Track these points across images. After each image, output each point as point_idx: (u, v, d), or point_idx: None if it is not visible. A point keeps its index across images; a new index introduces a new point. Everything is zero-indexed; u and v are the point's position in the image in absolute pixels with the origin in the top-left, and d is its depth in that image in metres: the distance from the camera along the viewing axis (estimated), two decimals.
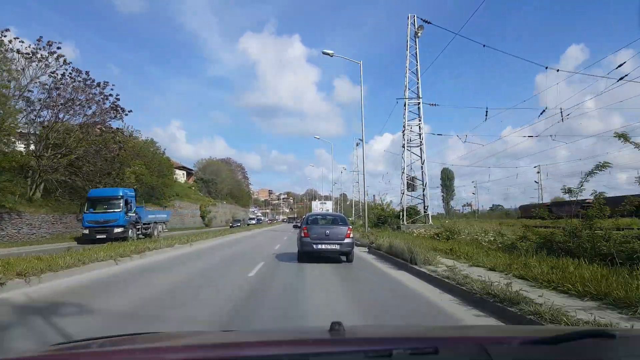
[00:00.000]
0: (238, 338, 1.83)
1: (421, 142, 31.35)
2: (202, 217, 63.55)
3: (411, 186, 31.81)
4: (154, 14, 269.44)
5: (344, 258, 12.87)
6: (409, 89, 31.44)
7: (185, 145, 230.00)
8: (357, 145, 71.00)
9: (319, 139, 53.77)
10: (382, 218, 35.60)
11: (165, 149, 53.71)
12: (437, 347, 1.04)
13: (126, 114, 33.48)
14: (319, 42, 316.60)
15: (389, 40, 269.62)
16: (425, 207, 31.78)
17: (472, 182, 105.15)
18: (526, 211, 72.50)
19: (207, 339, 1.84)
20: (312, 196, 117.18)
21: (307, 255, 12.52)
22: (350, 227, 13.40)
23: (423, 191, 31.87)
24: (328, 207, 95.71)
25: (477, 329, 2.72)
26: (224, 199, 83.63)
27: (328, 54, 24.74)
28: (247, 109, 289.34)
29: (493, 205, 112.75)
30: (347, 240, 12.38)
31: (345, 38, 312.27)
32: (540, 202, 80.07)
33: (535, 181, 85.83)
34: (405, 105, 31.38)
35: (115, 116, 32.24)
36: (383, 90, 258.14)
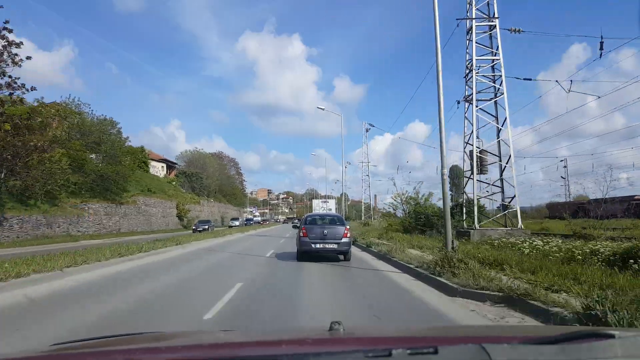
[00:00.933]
0: (237, 338, 1.80)
1: (497, 90, 18.42)
2: (180, 216, 50.67)
3: (479, 165, 18.91)
4: (153, 13, 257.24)
5: (341, 257, 12.66)
6: (474, 6, 18.55)
7: (184, 145, 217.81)
8: (367, 131, 58.13)
9: (323, 109, 40.63)
10: (423, 219, 22.76)
11: (119, 124, 40.21)
12: (437, 347, 1.01)
13: (29, 58, 20.58)
14: (320, 41, 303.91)
15: (390, 40, 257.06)
16: (507, 201, 18.78)
17: (488, 178, 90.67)
18: (556, 210, 60.18)
19: (206, 339, 1.80)
20: (313, 195, 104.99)
21: (306, 254, 12.37)
22: (348, 227, 13.06)
23: (501, 174, 18.91)
24: (330, 206, 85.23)
25: (477, 329, 2.69)
26: (212, 197, 70.72)
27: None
28: (247, 108, 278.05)
29: (502, 203, 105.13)
30: (344, 240, 12.28)
31: (345, 37, 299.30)
32: (568, 199, 67.85)
33: (562, 176, 73.72)
34: (470, 31, 18.48)
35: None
36: (383, 90, 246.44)
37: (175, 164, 68.03)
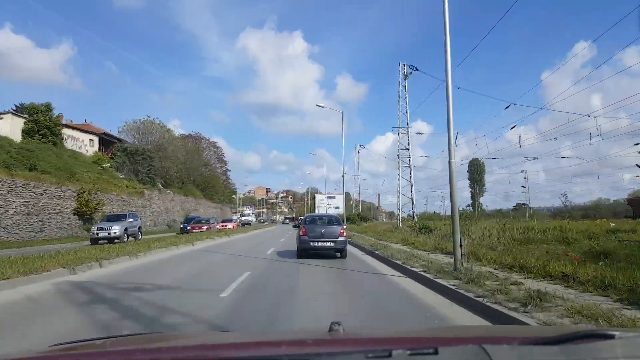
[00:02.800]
0: (238, 338, 1.74)
1: None
2: (82, 213, 27.37)
3: None
4: (153, 13, 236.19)
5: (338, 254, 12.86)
6: None
7: None
8: (405, 78, 34.62)
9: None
10: None
11: None
12: (437, 348, 0.98)
13: None
14: (322, 38, 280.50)
15: (392, 37, 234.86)
16: None
17: (522, 171, 67.34)
18: None
19: (206, 340, 1.77)
20: (313, 194, 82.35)
21: (305, 251, 12.73)
22: (344, 226, 13.61)
23: None
24: (338, 203, 62.81)
25: (477, 329, 2.64)
26: (174, 187, 47.58)
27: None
28: (247, 108, 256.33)
29: (517, 203, 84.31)
30: (340, 239, 12.64)
31: (348, 34, 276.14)
32: None
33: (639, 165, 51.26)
34: None
35: None
36: (385, 88, 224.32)
37: (116, 139, 44.76)
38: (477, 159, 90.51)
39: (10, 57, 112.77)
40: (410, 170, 33.18)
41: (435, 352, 0.95)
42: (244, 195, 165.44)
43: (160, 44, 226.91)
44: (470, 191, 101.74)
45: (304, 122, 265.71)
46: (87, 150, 40.46)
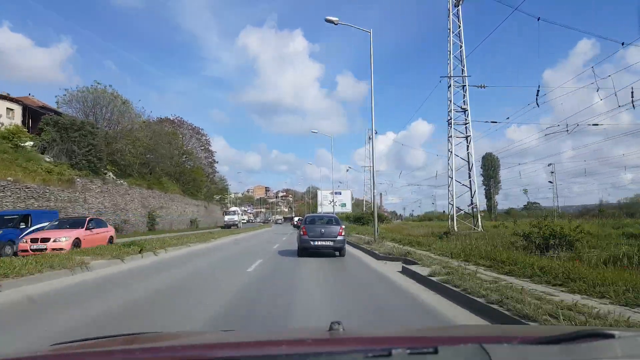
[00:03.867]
0: (237, 338, 1.68)
1: None
2: None
3: None
4: (153, 13, 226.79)
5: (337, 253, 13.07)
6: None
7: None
8: (456, 4, 22.49)
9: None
10: None
11: None
12: (437, 347, 0.97)
13: None
14: (322, 37, 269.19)
15: (394, 34, 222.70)
16: None
17: (549, 164, 54.46)
18: None
19: (206, 339, 1.74)
20: (315, 192, 70.94)
21: (305, 250, 12.88)
22: (343, 226, 13.68)
23: None
24: (344, 199, 55.66)
25: (477, 329, 2.62)
26: (133, 179, 35.52)
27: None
28: (248, 107, 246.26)
29: (528, 202, 79.32)
30: (339, 238, 12.88)
31: (349, 32, 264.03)
32: None
33: None
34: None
35: None
36: (386, 88, 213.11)
37: (54, 112, 32.56)
38: (491, 153, 78.83)
39: (10, 56, 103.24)
40: (468, 145, 21.03)
41: (435, 352, 0.94)
42: (242, 194, 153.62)
43: (160, 44, 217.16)
44: (485, 189, 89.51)
45: (305, 122, 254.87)
46: (1, 123, 28.51)
